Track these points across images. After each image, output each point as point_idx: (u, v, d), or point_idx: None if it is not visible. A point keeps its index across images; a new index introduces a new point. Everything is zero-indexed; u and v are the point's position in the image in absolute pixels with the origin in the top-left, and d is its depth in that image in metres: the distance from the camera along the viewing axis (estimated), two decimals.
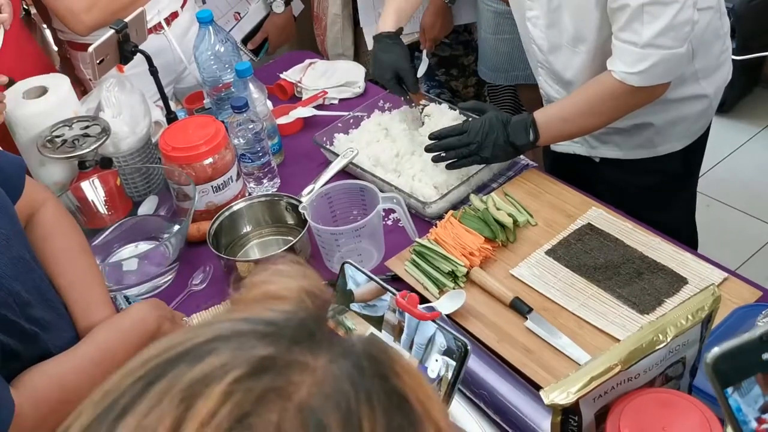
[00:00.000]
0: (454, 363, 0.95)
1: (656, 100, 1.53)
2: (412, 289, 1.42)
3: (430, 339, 0.94)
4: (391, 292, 0.97)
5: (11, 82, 1.70)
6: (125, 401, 0.40)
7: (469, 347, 0.93)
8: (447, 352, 0.96)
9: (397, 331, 0.95)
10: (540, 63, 1.70)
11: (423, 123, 1.78)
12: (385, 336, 0.96)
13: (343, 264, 1.01)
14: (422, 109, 1.80)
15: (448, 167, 1.61)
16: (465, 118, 1.73)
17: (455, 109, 1.78)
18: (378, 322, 0.98)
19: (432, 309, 1.32)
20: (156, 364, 0.42)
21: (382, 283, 0.99)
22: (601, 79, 1.51)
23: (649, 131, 1.67)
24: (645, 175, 1.72)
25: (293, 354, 0.42)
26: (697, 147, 1.76)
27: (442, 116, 1.77)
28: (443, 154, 1.61)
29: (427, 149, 1.62)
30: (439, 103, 1.82)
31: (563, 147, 1.78)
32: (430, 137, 1.63)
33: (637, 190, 1.55)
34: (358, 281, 1.04)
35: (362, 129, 1.81)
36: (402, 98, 1.82)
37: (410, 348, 0.95)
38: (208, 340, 0.42)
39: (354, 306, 1.00)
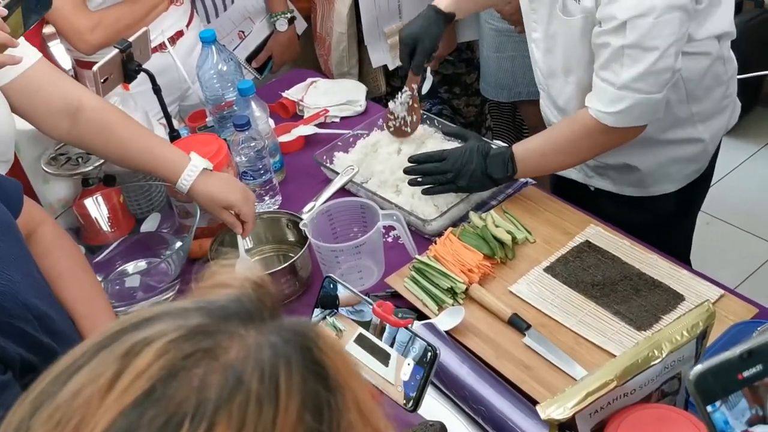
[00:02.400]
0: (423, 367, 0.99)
1: (650, 140, 1.53)
2: (412, 307, 1.44)
3: (409, 340, 1.00)
4: (367, 302, 1.02)
5: None
6: (81, 361, 0.47)
7: (438, 351, 0.98)
8: (421, 357, 1.00)
9: (379, 331, 1.01)
10: (541, 86, 1.72)
11: (413, 129, 1.79)
12: (369, 336, 1.02)
13: (325, 277, 1.07)
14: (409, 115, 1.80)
15: (424, 192, 1.62)
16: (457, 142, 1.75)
17: (440, 132, 1.80)
18: (366, 325, 1.03)
19: (432, 326, 1.34)
20: (110, 333, 0.49)
21: (359, 294, 1.04)
22: (579, 115, 1.51)
23: (639, 171, 1.67)
24: (638, 212, 1.72)
25: (227, 325, 0.48)
26: (693, 190, 1.74)
27: (429, 139, 1.79)
28: (420, 179, 1.62)
29: (405, 171, 1.64)
30: (430, 125, 1.84)
31: (562, 171, 1.80)
32: (410, 160, 1.65)
33: (631, 226, 1.56)
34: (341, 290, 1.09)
35: (361, 147, 1.82)
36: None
37: (392, 345, 1.01)
38: (156, 315, 0.50)
39: (342, 310, 1.05)
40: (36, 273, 1.15)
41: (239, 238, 1.54)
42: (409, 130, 1.80)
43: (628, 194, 1.72)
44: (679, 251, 1.72)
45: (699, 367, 0.60)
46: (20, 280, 1.06)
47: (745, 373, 0.59)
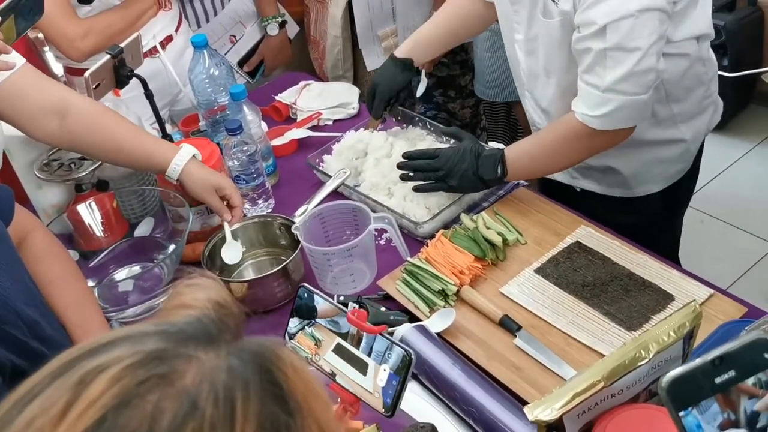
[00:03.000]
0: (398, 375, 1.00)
1: (631, 140, 1.54)
2: (404, 309, 1.44)
3: (386, 348, 1.00)
4: (342, 310, 1.03)
5: None
6: (36, 390, 0.47)
7: (413, 356, 0.98)
8: (398, 363, 1.01)
9: (356, 341, 1.01)
10: (525, 87, 1.72)
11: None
12: (347, 346, 1.02)
13: (299, 287, 1.07)
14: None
15: (414, 189, 1.64)
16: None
17: (433, 134, 1.82)
18: (344, 335, 1.03)
19: (424, 328, 1.34)
20: (66, 360, 0.48)
21: (333, 302, 1.05)
22: (566, 119, 1.52)
23: (621, 174, 1.68)
24: (625, 213, 1.72)
25: (185, 349, 0.48)
26: (678, 189, 1.75)
27: (422, 141, 1.81)
28: (411, 174, 1.64)
29: (398, 166, 1.66)
30: (423, 128, 1.85)
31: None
32: (404, 156, 1.67)
33: (619, 226, 1.57)
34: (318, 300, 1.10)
35: (352, 146, 1.83)
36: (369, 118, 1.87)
37: (369, 354, 1.01)
38: (114, 339, 0.49)
39: (320, 321, 1.05)
40: (27, 280, 1.16)
41: (226, 225, 1.57)
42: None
43: (614, 195, 1.73)
44: (667, 250, 1.74)
45: (671, 374, 0.61)
46: (10, 287, 1.07)
47: (718, 380, 0.60)
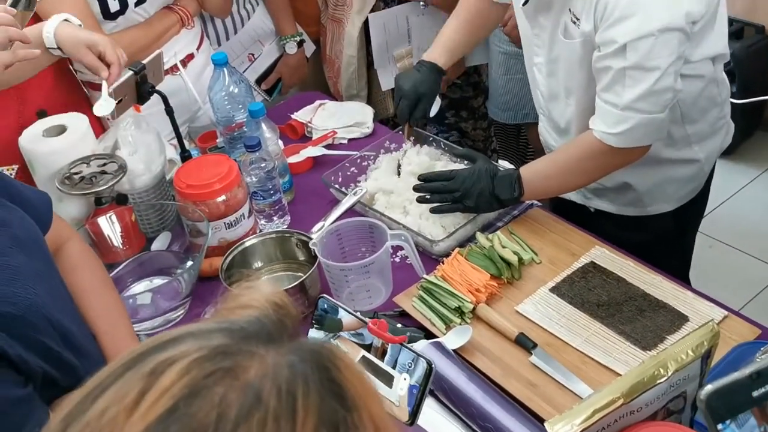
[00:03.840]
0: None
1: (646, 159, 1.56)
2: (420, 326, 1.46)
3: (412, 360, 1.03)
4: (362, 321, 1.05)
5: (42, 114, 1.76)
6: (108, 381, 0.50)
7: (433, 365, 1.01)
8: (419, 373, 1.04)
9: (380, 353, 1.04)
10: (542, 109, 1.75)
11: (398, 173, 1.83)
12: (372, 358, 1.04)
13: (318, 298, 1.09)
14: (404, 152, 1.86)
15: (432, 210, 1.66)
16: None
17: (447, 155, 1.85)
18: (368, 347, 1.05)
19: (440, 344, 1.36)
20: (135, 354, 0.51)
21: (354, 313, 1.07)
22: (583, 137, 1.54)
23: (636, 191, 1.70)
24: (637, 232, 1.74)
25: (247, 345, 0.51)
26: (690, 209, 1.78)
27: (437, 161, 1.83)
28: (428, 196, 1.66)
29: (415, 189, 1.68)
30: (437, 147, 1.88)
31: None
32: (419, 178, 1.69)
33: (630, 246, 1.59)
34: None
35: (372, 169, 1.85)
36: (399, 129, 1.88)
37: (393, 367, 1.03)
38: (179, 336, 0.52)
39: (344, 334, 1.07)
40: (61, 288, 1.18)
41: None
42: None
43: (627, 214, 1.75)
44: (678, 270, 1.75)
45: (710, 387, 0.62)
46: (45, 295, 1.09)
47: (755, 393, 0.61)
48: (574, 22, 1.49)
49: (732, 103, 3.05)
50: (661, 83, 1.41)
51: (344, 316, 1.10)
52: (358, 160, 1.91)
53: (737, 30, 3.16)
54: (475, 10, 1.83)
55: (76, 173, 1.70)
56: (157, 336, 0.53)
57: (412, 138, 1.87)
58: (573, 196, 1.80)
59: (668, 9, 1.37)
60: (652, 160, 1.62)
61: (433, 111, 2.01)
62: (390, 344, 1.04)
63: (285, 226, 1.79)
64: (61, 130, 1.76)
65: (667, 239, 1.80)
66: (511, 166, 1.68)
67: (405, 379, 1.02)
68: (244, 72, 2.40)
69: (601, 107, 1.49)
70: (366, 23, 2.38)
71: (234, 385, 0.48)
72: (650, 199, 1.72)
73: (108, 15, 1.93)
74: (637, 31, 1.37)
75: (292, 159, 1.97)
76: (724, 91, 1.70)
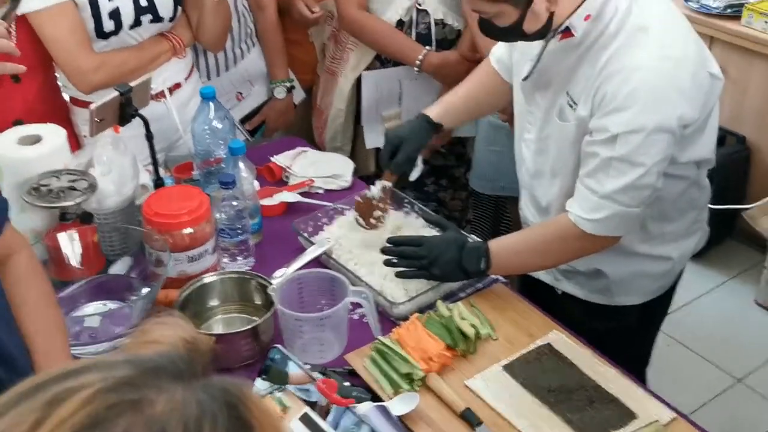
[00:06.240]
0: None
1: (621, 250, 1.58)
2: (368, 387, 1.43)
3: (354, 424, 1.01)
4: (312, 378, 1.02)
5: (18, 124, 1.74)
6: (1, 410, 0.48)
7: None
8: None
9: (324, 413, 1.01)
10: (525, 186, 1.76)
11: (376, 225, 1.78)
12: (315, 417, 1.02)
13: (271, 347, 1.07)
14: (384, 208, 1.80)
15: (397, 275, 1.64)
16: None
17: (421, 219, 1.83)
18: (312, 404, 1.02)
19: (385, 409, 1.33)
20: (35, 383, 0.49)
21: (304, 368, 1.04)
22: (557, 219, 1.56)
23: (607, 279, 1.71)
24: (601, 321, 1.74)
25: (155, 380, 0.49)
26: (656, 306, 1.79)
27: (409, 227, 1.81)
28: (395, 260, 1.64)
29: (382, 251, 1.66)
30: (407, 213, 1.86)
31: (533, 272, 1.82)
32: (388, 241, 1.68)
33: (592, 333, 1.59)
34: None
35: (341, 222, 1.84)
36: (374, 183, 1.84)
37: (335, 428, 1.01)
38: (83, 366, 0.50)
39: (290, 387, 1.04)
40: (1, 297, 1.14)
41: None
42: (374, 221, 1.79)
43: (594, 301, 1.75)
44: (635, 365, 1.75)
45: None
46: None
47: None
48: (571, 105, 1.51)
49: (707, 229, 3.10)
50: (643, 180, 1.43)
51: (294, 370, 1.08)
52: (331, 212, 1.90)
53: (719, 137, 3.17)
54: (483, 84, 1.85)
55: (44, 185, 1.68)
56: (57, 367, 0.51)
57: (387, 183, 1.81)
58: (543, 276, 1.80)
59: (663, 109, 1.40)
60: (627, 252, 1.63)
61: (414, 175, 2.00)
62: (335, 405, 1.02)
63: (248, 268, 1.77)
64: (36, 140, 1.74)
65: (629, 332, 1.80)
66: (478, 240, 1.68)
67: None
68: (230, 110, 2.40)
69: (581, 191, 1.50)
70: (359, 80, 2.40)
71: (138, 420, 0.46)
72: (620, 289, 1.73)
73: (101, 35, 1.93)
74: (631, 124, 1.40)
75: (266, 201, 1.96)
76: (705, 196, 1.73)
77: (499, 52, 1.80)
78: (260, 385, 1.08)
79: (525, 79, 1.59)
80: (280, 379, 1.04)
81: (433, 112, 1.81)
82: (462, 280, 1.67)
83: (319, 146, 2.53)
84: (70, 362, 0.52)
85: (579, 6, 1.43)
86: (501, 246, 1.62)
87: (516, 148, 1.76)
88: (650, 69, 1.40)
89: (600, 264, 1.68)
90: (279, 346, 1.08)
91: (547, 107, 1.58)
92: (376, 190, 1.79)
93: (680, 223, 1.68)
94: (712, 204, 3.07)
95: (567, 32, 1.46)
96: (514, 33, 1.47)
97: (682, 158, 1.53)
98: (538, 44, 1.53)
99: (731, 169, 3.19)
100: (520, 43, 1.60)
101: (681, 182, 1.60)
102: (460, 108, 1.85)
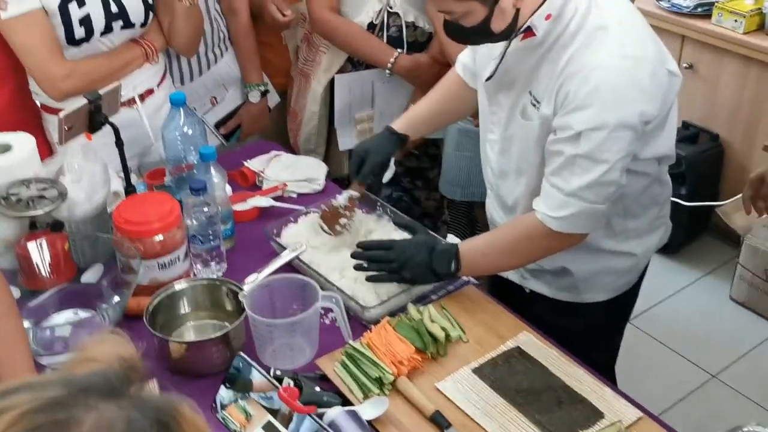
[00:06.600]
0: None
1: (586, 248, 1.60)
2: (339, 391, 1.44)
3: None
4: (275, 385, 1.03)
5: None
6: None
7: None
8: None
9: (287, 420, 1.02)
10: (491, 186, 1.78)
11: (341, 231, 1.79)
12: (277, 424, 1.02)
13: (236, 355, 1.07)
14: (350, 214, 1.81)
15: (368, 279, 1.64)
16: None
17: (390, 223, 1.84)
18: (275, 412, 1.03)
19: (355, 413, 1.34)
20: None
21: (267, 376, 1.05)
22: (524, 218, 1.58)
23: (573, 277, 1.73)
24: (569, 318, 1.76)
25: (85, 398, 0.49)
26: (621, 302, 1.81)
27: (381, 230, 1.82)
28: (365, 265, 1.65)
29: (352, 256, 1.67)
30: (380, 216, 1.88)
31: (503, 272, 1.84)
32: (357, 246, 1.68)
33: (561, 331, 1.60)
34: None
35: (312, 224, 1.84)
36: (346, 186, 1.86)
37: None
38: (14, 387, 0.50)
39: (254, 395, 1.05)
40: None
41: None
42: (339, 228, 1.79)
43: (562, 299, 1.77)
44: (604, 361, 1.78)
45: None
46: None
47: None
48: (534, 105, 1.53)
49: (681, 204, 3.14)
50: (607, 176, 1.46)
51: (257, 378, 1.09)
52: (304, 216, 1.90)
53: (693, 135, 3.25)
54: (449, 92, 1.87)
55: (13, 194, 1.67)
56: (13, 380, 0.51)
57: (356, 195, 1.83)
58: (511, 275, 1.82)
59: (625, 106, 1.43)
60: (592, 249, 1.65)
61: (386, 177, 2.02)
62: (296, 413, 1.03)
63: (221, 274, 1.77)
64: (5, 148, 1.73)
65: (597, 329, 1.82)
66: (457, 240, 1.70)
67: None
68: (204, 114, 2.40)
69: (547, 190, 1.52)
70: (332, 82, 2.41)
71: None
72: (586, 286, 1.75)
73: (72, 41, 1.92)
74: (593, 121, 1.42)
75: (239, 206, 1.96)
76: (666, 192, 1.76)
77: (464, 59, 1.82)
78: (224, 393, 1.08)
79: (488, 79, 1.60)
80: (242, 387, 1.05)
81: (399, 124, 1.84)
82: (433, 283, 1.68)
83: (293, 148, 2.53)
84: (2, 383, 0.51)
85: (540, 5, 1.45)
86: (470, 247, 1.64)
87: (481, 148, 1.77)
88: (611, 68, 1.42)
89: (566, 262, 1.70)
90: (242, 354, 1.09)
91: (511, 107, 1.59)
92: (342, 198, 1.82)
93: (643, 219, 1.71)
94: (686, 201, 3.13)
95: (528, 32, 1.48)
96: (480, 33, 1.48)
97: (644, 155, 1.55)
98: (500, 45, 1.55)
99: (705, 166, 3.22)
100: (483, 45, 1.61)
101: (643, 178, 1.62)
102: (426, 119, 1.87)
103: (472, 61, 1.77)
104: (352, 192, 1.82)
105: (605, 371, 1.72)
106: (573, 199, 1.48)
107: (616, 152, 1.44)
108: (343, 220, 1.80)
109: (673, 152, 1.66)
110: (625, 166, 1.48)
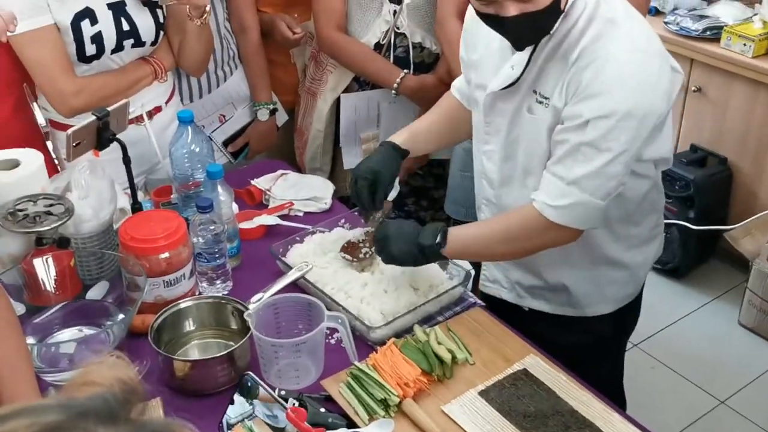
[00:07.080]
0: None
1: (588, 259, 1.59)
2: (344, 413, 1.43)
3: None
4: (282, 405, 1.02)
5: None
6: None
7: None
8: None
9: None
10: (486, 199, 1.75)
11: (365, 258, 1.78)
12: None
13: (243, 374, 1.06)
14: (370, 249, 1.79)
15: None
16: None
17: None
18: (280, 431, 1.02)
19: None
20: None
21: (276, 397, 1.04)
22: (522, 207, 1.57)
23: (570, 291, 1.72)
24: (572, 334, 1.75)
25: (84, 423, 0.49)
26: (628, 313, 1.80)
27: None
28: None
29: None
30: None
31: (491, 289, 1.83)
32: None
33: (565, 347, 1.59)
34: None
35: (319, 244, 1.84)
36: (359, 211, 1.86)
37: None
38: (12, 412, 0.49)
39: (260, 415, 1.04)
40: None
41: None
42: (362, 256, 1.78)
43: (565, 314, 1.76)
44: (610, 377, 1.76)
45: None
46: None
47: None
48: (540, 102, 1.53)
49: (689, 228, 3.12)
50: (610, 167, 1.45)
51: (263, 395, 1.08)
52: (311, 235, 1.90)
53: (701, 158, 3.24)
54: (445, 115, 1.86)
55: (21, 210, 1.67)
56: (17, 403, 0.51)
57: (371, 230, 1.81)
58: (506, 294, 1.81)
59: (635, 96, 1.43)
60: (593, 260, 1.66)
61: (391, 196, 2.01)
62: None
63: (226, 292, 1.76)
64: (13, 164, 1.73)
65: (603, 342, 1.81)
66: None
67: None
68: (212, 132, 2.41)
69: (548, 179, 1.52)
70: (338, 101, 2.41)
71: None
72: (588, 300, 1.74)
73: (83, 58, 1.93)
74: (603, 109, 1.42)
75: (245, 225, 1.95)
76: (662, 200, 1.77)
77: (458, 83, 1.83)
78: (232, 411, 1.08)
79: (510, 86, 1.57)
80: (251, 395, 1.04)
81: (400, 138, 1.82)
82: (420, 264, 1.65)
83: (299, 167, 2.53)
84: (2, 407, 0.50)
85: None
86: (461, 228, 1.64)
87: (475, 163, 1.76)
88: (622, 59, 1.43)
89: (563, 278, 1.69)
90: (250, 373, 1.08)
91: (514, 111, 1.58)
92: (358, 233, 1.83)
93: (644, 227, 1.71)
94: (694, 225, 3.12)
95: None
96: (554, 13, 1.44)
97: (646, 155, 1.55)
98: (501, 55, 1.56)
99: (713, 190, 3.21)
100: (480, 59, 1.63)
101: (645, 181, 1.62)
102: (424, 136, 1.86)
103: (465, 86, 1.78)
104: (368, 228, 1.83)
105: (612, 389, 1.71)
106: (574, 188, 1.47)
107: (621, 143, 1.44)
108: (364, 250, 1.80)
109: (671, 156, 1.66)
110: (629, 162, 1.47)
